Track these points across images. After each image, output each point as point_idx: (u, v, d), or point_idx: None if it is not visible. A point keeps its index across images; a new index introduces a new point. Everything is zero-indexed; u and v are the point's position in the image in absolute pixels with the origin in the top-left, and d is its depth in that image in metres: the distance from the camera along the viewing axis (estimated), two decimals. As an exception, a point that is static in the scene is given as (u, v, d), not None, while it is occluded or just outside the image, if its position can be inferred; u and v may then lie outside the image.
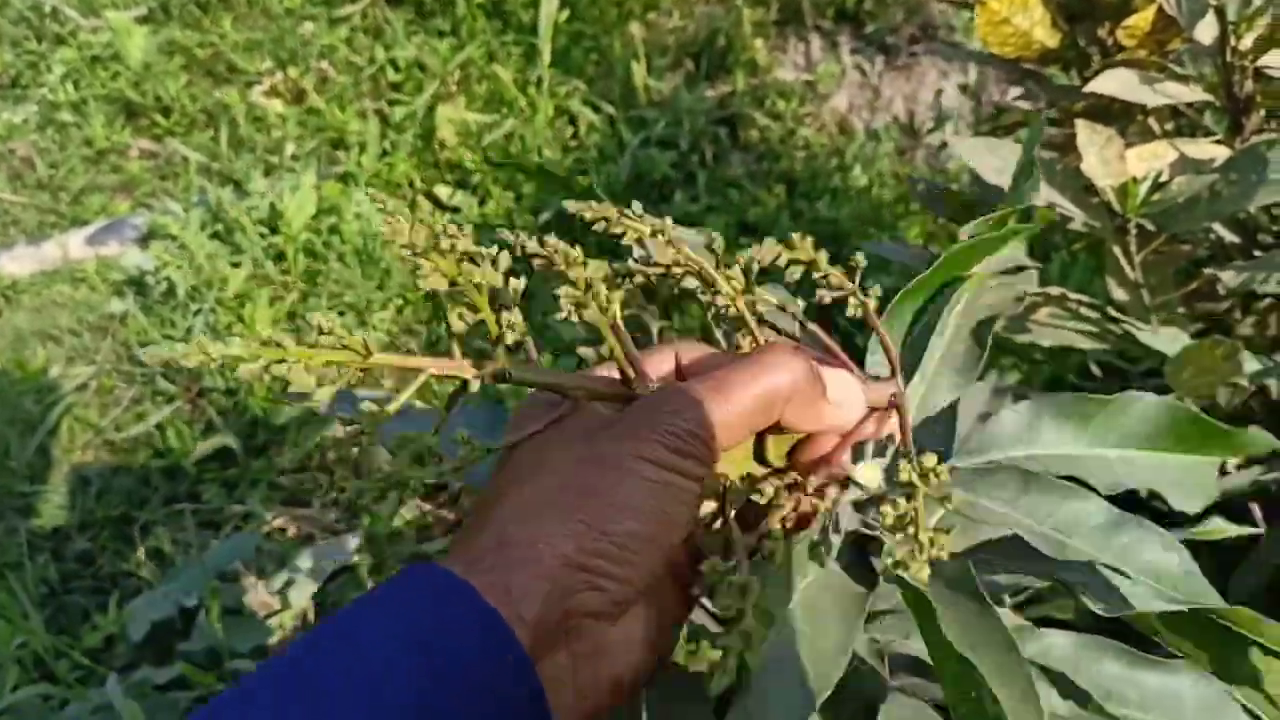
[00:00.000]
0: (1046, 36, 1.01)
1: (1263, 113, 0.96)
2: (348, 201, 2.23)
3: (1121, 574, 0.47)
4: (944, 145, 2.31)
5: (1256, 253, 1.01)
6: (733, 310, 0.51)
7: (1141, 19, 0.93)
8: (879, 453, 0.55)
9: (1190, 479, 0.57)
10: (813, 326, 0.52)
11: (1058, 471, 0.56)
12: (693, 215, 2.16)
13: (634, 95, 2.38)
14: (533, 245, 0.47)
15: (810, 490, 0.49)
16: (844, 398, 0.49)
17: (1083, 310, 0.99)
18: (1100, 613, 0.50)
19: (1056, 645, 0.64)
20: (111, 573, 1.80)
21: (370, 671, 0.38)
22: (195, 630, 1.62)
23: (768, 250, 0.50)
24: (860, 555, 0.54)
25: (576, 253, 0.47)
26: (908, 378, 0.58)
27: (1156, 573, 0.47)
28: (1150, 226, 0.94)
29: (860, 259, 0.51)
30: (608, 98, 2.39)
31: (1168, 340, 0.96)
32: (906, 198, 2.19)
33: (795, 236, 0.50)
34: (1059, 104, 1.06)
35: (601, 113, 2.38)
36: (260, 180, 2.29)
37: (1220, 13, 0.90)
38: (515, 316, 0.46)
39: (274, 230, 2.22)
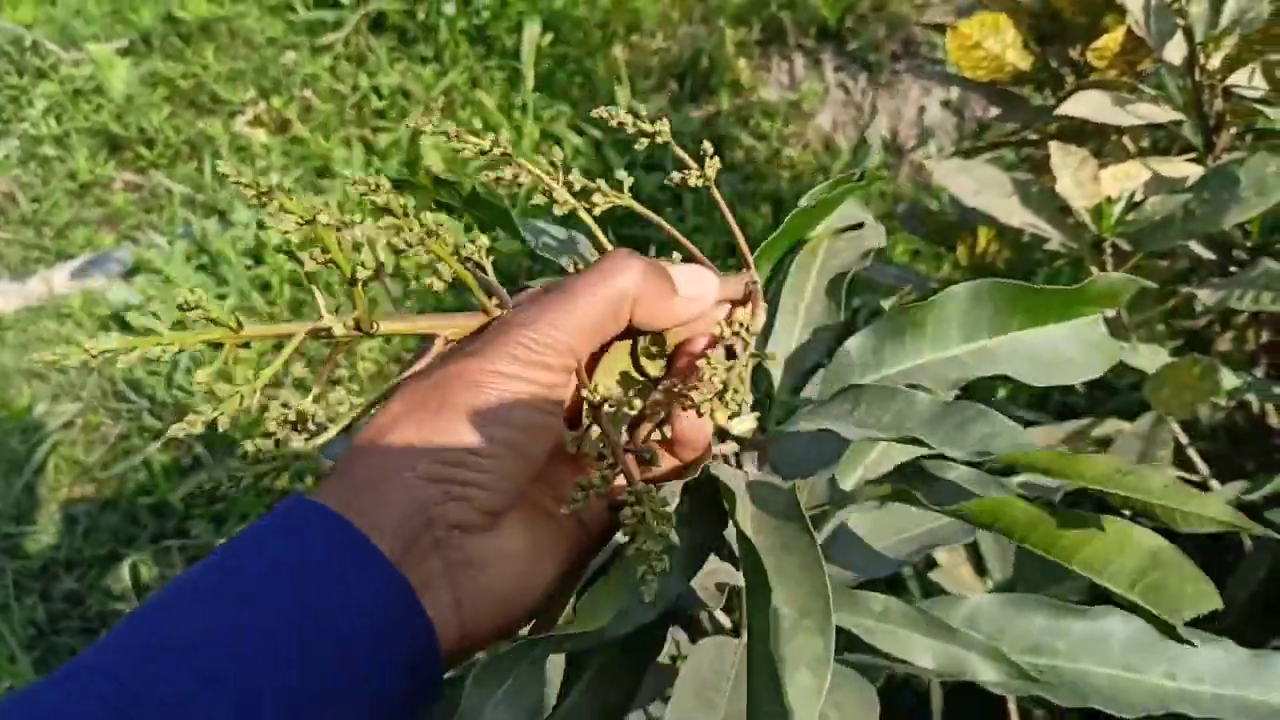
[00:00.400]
0: (1018, 59, 1.01)
1: (1233, 131, 0.96)
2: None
3: (962, 462, 0.47)
4: (920, 167, 2.31)
5: (1232, 269, 1.01)
6: (569, 209, 0.53)
7: (1111, 40, 0.93)
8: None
9: (1063, 348, 0.56)
10: (658, 220, 0.54)
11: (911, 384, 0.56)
12: (690, 230, 2.15)
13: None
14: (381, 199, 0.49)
15: (688, 400, 0.49)
16: (697, 290, 0.50)
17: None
18: (933, 507, 0.51)
19: (982, 609, 0.65)
20: (100, 611, 1.79)
21: (244, 590, 0.40)
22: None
23: (610, 112, 0.54)
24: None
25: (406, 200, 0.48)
26: (766, 338, 0.62)
27: (985, 446, 0.46)
28: (1126, 246, 0.94)
29: (708, 146, 0.53)
30: (593, 121, 2.39)
31: (1147, 358, 0.96)
32: (891, 215, 2.19)
33: (642, 110, 0.53)
34: (1034, 125, 1.06)
35: (586, 136, 2.38)
36: (244, 211, 2.29)
37: (1188, 33, 0.90)
38: (366, 255, 0.48)
39: (259, 261, 2.22)
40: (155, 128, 2.47)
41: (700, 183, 0.54)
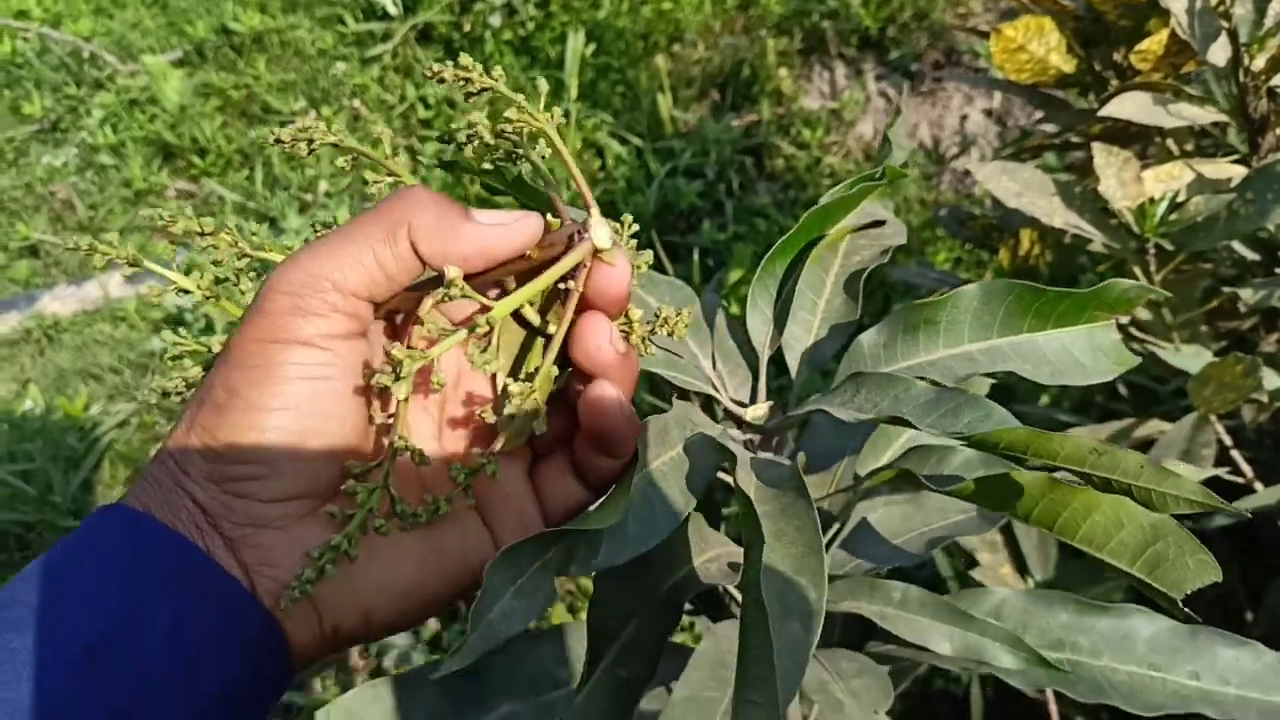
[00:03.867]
0: (1062, 62, 1.02)
1: (1278, 132, 0.96)
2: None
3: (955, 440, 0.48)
4: (970, 171, 2.32)
5: (1277, 270, 1.02)
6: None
7: (1155, 43, 0.94)
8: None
9: (1074, 351, 0.56)
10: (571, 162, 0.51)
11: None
12: (720, 243, 2.18)
13: (660, 126, 2.41)
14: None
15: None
16: (496, 219, 0.44)
17: (1105, 330, 1.00)
18: (934, 488, 0.51)
19: (1008, 602, 0.66)
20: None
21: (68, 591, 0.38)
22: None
23: (445, 69, 0.50)
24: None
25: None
26: (779, 328, 0.61)
27: (972, 430, 0.46)
28: (1169, 246, 0.94)
29: (542, 83, 0.50)
30: (634, 129, 2.42)
31: (1190, 358, 0.96)
32: (933, 223, 2.20)
33: (497, 69, 0.51)
34: (1077, 128, 1.07)
35: (628, 144, 2.40)
36: (295, 217, 2.33)
37: (1233, 35, 0.91)
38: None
39: (309, 266, 2.26)
40: (208, 137, 2.53)
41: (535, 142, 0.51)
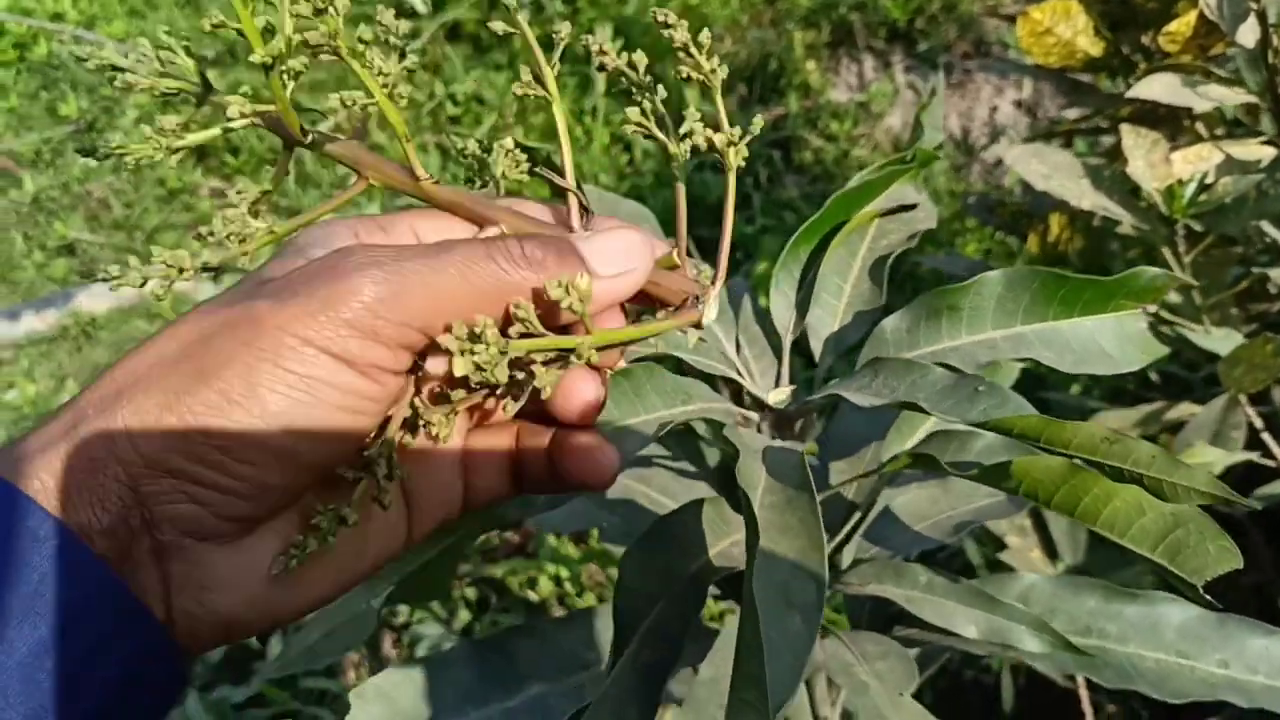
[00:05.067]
0: (1090, 45, 1.02)
1: (1309, 112, 0.96)
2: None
3: (975, 428, 0.48)
4: (999, 162, 2.31)
5: (1309, 251, 1.01)
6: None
7: (1183, 24, 0.94)
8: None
9: (1100, 339, 0.55)
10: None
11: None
12: (748, 237, 2.18)
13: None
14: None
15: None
16: (619, 262, 0.39)
17: (1134, 314, 1.00)
18: (954, 472, 0.51)
19: (1036, 587, 0.66)
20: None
21: None
22: (270, 650, 1.66)
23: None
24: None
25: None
26: (802, 313, 0.61)
27: (988, 417, 0.46)
28: (1198, 227, 0.94)
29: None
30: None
31: (1221, 340, 0.96)
32: (963, 214, 2.19)
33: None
34: (1105, 112, 1.07)
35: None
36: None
37: (1261, 16, 0.90)
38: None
39: (340, 262, 2.28)
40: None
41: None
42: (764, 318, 0.64)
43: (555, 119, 0.45)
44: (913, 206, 0.66)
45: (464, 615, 1.68)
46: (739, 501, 0.71)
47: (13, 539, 0.32)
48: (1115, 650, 0.62)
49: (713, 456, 0.70)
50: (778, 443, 0.53)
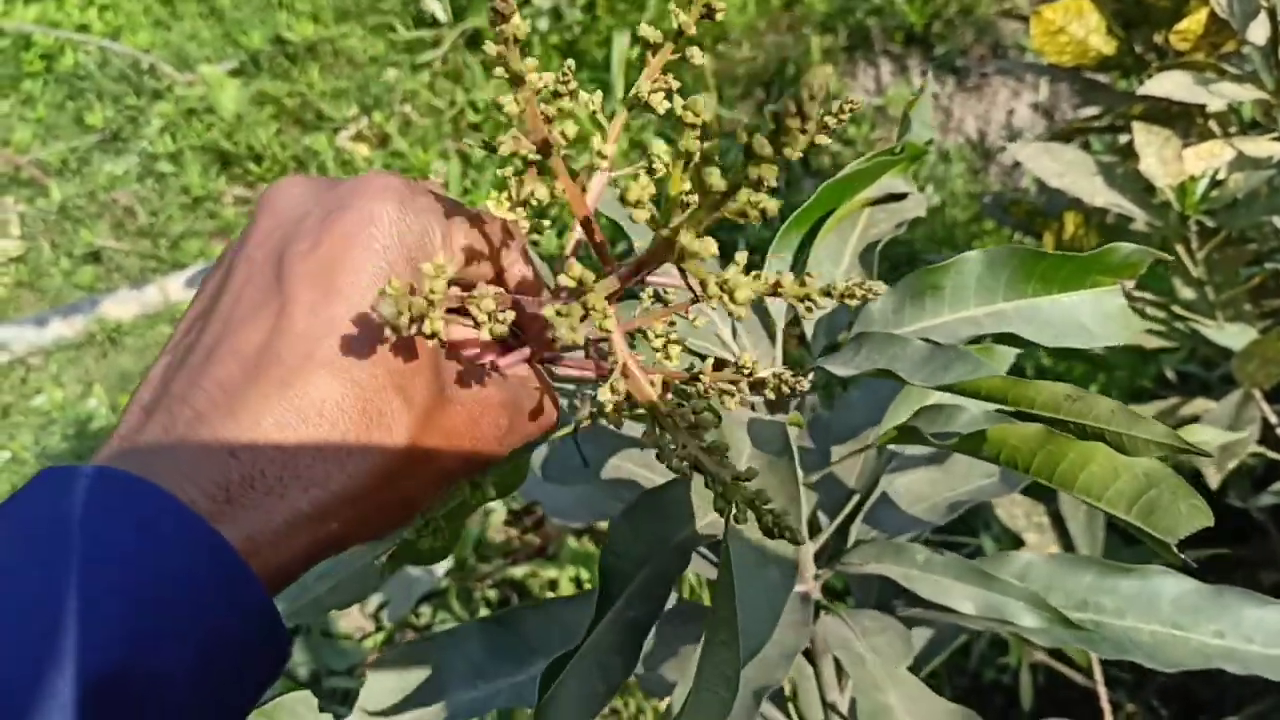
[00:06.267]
0: (1102, 43, 1.03)
1: (1320, 109, 0.97)
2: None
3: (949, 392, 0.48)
4: (1016, 165, 2.32)
5: (1322, 247, 1.02)
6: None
7: (1194, 22, 0.95)
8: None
9: (1079, 315, 0.56)
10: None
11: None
12: (766, 240, 2.19)
13: (705, 126, 2.43)
14: None
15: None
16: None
17: (1149, 310, 1.01)
18: (936, 443, 0.53)
19: (1033, 565, 0.67)
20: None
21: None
22: (294, 651, 1.68)
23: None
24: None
25: None
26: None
27: (973, 389, 0.47)
28: (1210, 224, 0.95)
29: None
30: (679, 129, 2.44)
31: (1234, 335, 0.97)
32: (980, 216, 2.20)
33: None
34: (1118, 110, 1.08)
35: (674, 144, 2.42)
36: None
37: (1272, 14, 0.91)
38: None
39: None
40: (263, 144, 2.59)
41: None
42: (758, 303, 0.66)
43: (578, 124, 0.45)
44: (903, 196, 0.67)
45: (485, 615, 1.70)
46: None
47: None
48: (1112, 624, 0.63)
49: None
50: (764, 415, 0.54)
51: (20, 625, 0.29)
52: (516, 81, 0.38)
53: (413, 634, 1.72)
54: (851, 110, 0.47)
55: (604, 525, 1.56)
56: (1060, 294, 0.57)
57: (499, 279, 0.42)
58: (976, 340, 0.56)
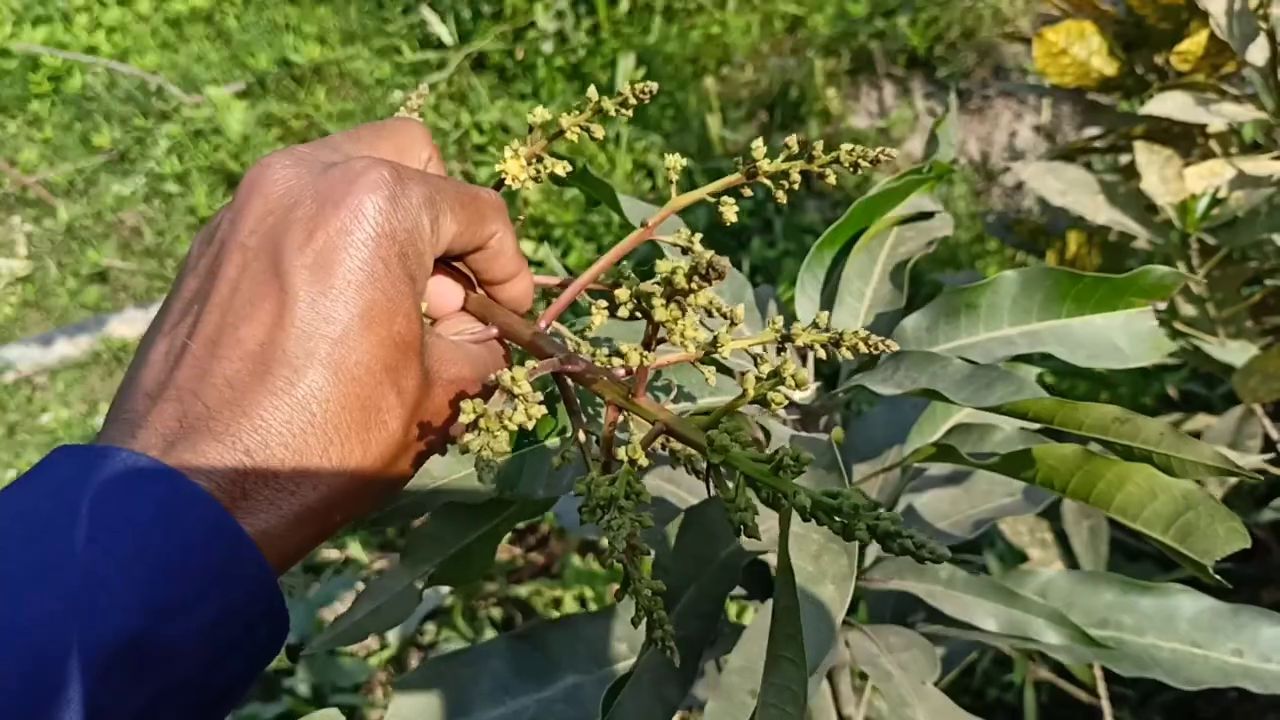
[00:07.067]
0: (1104, 65, 1.04)
1: (1319, 128, 0.98)
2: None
3: (990, 412, 0.49)
4: (1019, 186, 2.33)
5: (1322, 265, 1.03)
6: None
7: (1194, 43, 0.96)
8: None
9: (1111, 335, 0.57)
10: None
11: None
12: (770, 260, 2.21)
13: (710, 147, 2.45)
14: None
15: None
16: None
17: (1151, 327, 1.01)
18: (974, 463, 0.53)
19: (1054, 582, 0.68)
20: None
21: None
22: (300, 668, 1.69)
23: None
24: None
25: None
26: (830, 311, 0.63)
27: (1020, 410, 0.47)
28: (1211, 241, 0.96)
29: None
30: (684, 151, 2.46)
31: (1235, 352, 0.98)
32: (983, 237, 2.21)
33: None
34: (1120, 129, 1.09)
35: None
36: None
37: (1271, 35, 0.93)
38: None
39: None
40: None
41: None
42: (789, 320, 0.67)
43: (578, 146, 0.48)
44: (931, 214, 0.68)
45: (489, 635, 1.70)
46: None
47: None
48: (1132, 641, 0.64)
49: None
50: (804, 434, 0.55)
51: (43, 592, 0.31)
52: None
53: (418, 652, 1.72)
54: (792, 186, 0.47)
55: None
56: (1093, 314, 0.57)
57: (485, 248, 0.45)
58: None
